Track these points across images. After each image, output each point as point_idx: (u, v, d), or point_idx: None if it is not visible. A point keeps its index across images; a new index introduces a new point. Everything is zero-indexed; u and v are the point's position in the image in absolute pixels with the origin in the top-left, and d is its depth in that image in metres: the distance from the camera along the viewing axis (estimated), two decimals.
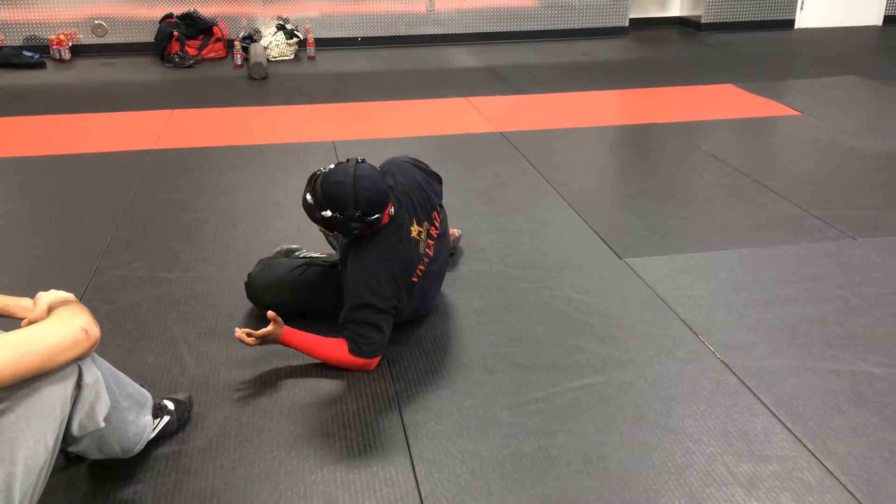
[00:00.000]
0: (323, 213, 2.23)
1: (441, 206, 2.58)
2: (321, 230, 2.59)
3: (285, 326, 2.28)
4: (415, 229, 2.40)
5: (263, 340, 2.25)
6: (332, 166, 2.27)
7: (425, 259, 2.43)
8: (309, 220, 2.33)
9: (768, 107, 5.24)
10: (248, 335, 2.24)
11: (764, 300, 2.72)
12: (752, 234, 3.27)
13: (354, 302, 2.27)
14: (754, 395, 2.21)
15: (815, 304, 2.69)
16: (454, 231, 3.00)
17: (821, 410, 2.14)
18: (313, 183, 2.27)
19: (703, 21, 7.88)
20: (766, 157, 4.30)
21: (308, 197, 2.27)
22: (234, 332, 2.25)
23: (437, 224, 2.51)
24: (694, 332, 2.52)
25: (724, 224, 3.36)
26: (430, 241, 2.47)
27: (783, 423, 2.09)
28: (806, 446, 2.00)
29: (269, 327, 2.24)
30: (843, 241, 3.17)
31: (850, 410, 2.14)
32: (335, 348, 2.30)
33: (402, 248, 2.34)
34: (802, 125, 4.85)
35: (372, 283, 2.26)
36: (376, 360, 2.33)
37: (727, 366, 2.34)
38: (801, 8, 8.05)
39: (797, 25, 8.09)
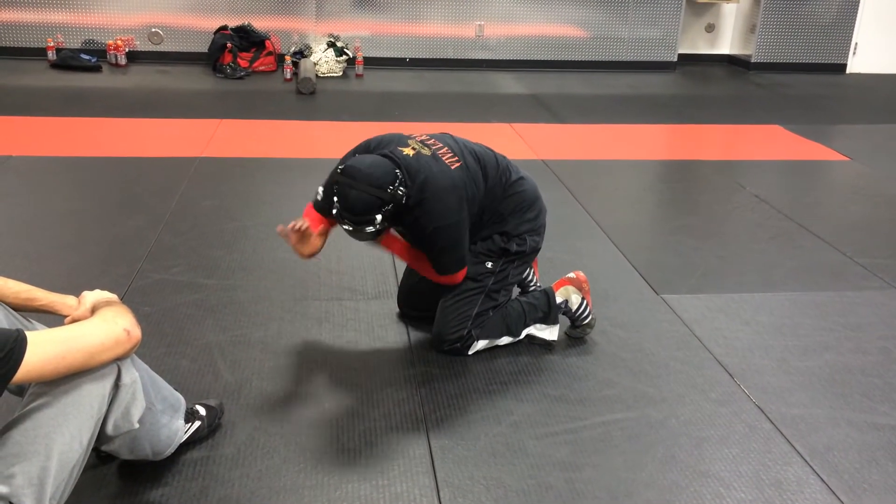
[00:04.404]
0: (395, 190, 2.20)
1: None
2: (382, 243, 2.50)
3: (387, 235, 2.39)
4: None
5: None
6: (333, 185, 2.26)
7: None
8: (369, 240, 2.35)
9: (816, 150, 5.18)
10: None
11: (803, 346, 2.67)
12: (792, 278, 3.22)
13: (434, 253, 2.38)
14: (789, 443, 2.16)
15: (856, 354, 2.63)
16: None
17: (857, 463, 2.09)
18: (380, 206, 2.19)
19: (752, 60, 7.83)
20: (812, 201, 4.24)
21: (378, 218, 2.20)
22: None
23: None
24: (729, 374, 2.48)
25: (765, 266, 3.32)
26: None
27: (818, 474, 2.04)
28: (840, 499, 1.95)
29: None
30: (887, 291, 3.11)
31: (887, 465, 2.09)
32: (436, 278, 2.42)
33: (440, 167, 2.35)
34: (850, 171, 4.78)
35: (450, 221, 2.32)
36: (463, 273, 2.42)
37: (762, 411, 2.30)
38: (854, 53, 7.97)
39: (849, 70, 8.00)
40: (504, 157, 2.56)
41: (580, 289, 2.62)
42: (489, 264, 2.48)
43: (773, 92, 7.05)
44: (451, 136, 2.54)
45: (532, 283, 2.83)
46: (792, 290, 3.09)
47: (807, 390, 2.42)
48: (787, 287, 3.12)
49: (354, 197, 2.18)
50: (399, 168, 2.26)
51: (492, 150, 2.56)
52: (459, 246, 2.37)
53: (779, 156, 5.07)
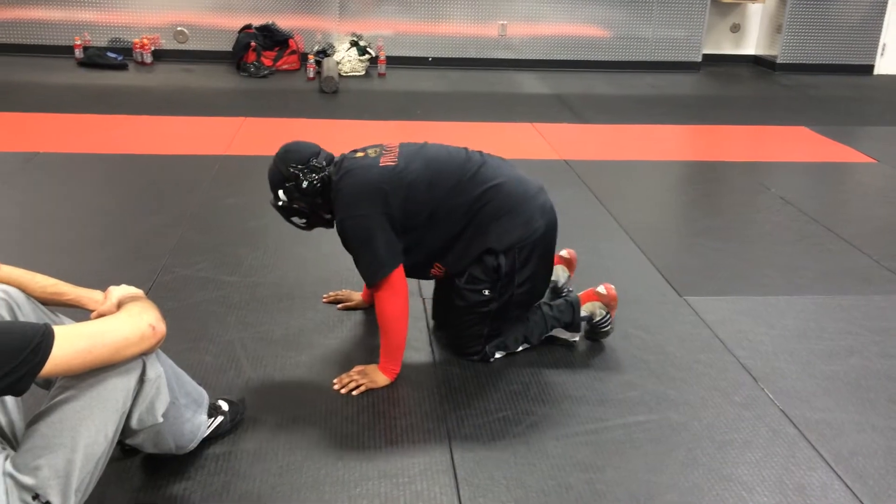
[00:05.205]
0: (303, 183, 2.30)
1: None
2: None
3: (377, 366, 2.35)
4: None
5: (366, 377, 2.34)
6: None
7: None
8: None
9: (842, 152, 5.11)
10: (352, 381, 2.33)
11: (828, 350, 2.64)
12: (818, 281, 3.18)
13: (354, 257, 2.34)
14: (813, 447, 2.14)
15: (882, 359, 2.60)
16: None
17: (882, 470, 2.06)
18: (280, 182, 2.34)
19: (778, 61, 7.74)
20: (838, 203, 4.19)
21: (281, 194, 2.34)
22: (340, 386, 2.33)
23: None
24: (753, 378, 2.46)
25: (790, 269, 3.28)
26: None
27: (842, 480, 2.02)
28: None
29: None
30: None
31: None
32: (380, 312, 2.32)
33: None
34: (877, 173, 4.72)
35: (354, 215, 2.28)
36: (400, 268, 2.30)
37: (786, 415, 2.28)
38: (882, 54, 7.85)
39: (876, 71, 7.89)
40: (479, 164, 2.38)
41: (608, 306, 2.57)
42: (486, 292, 2.37)
43: (798, 93, 6.97)
44: (422, 143, 2.47)
45: (567, 291, 2.80)
46: (817, 294, 3.06)
47: (832, 395, 2.39)
48: (813, 290, 3.09)
49: (269, 169, 2.39)
50: (321, 158, 2.34)
51: (463, 156, 2.41)
52: (373, 243, 2.25)
53: (804, 157, 5.01)
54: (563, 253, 2.79)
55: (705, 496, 1.94)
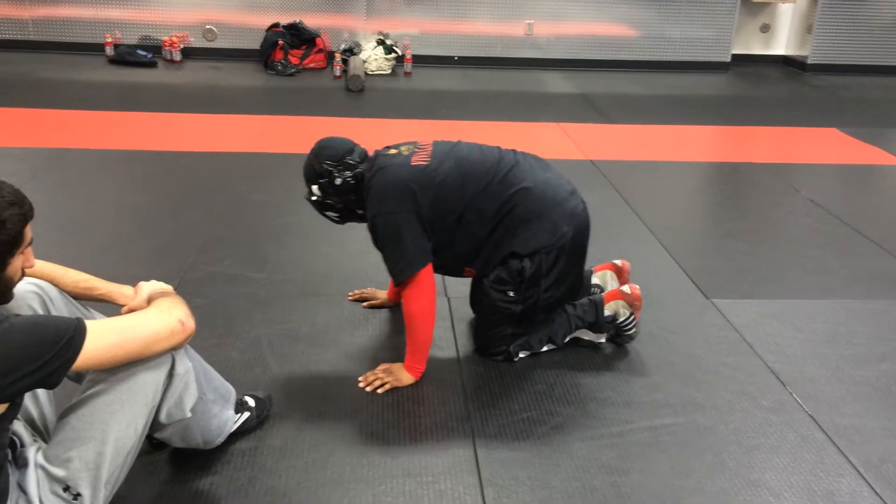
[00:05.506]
0: (336, 180, 2.32)
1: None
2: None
3: (402, 365, 2.35)
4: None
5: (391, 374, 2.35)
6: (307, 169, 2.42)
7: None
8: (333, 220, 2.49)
9: (874, 154, 5.04)
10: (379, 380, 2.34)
11: (858, 355, 2.60)
12: (848, 285, 3.14)
13: (383, 254, 2.35)
14: (842, 453, 2.11)
15: None
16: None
17: None
18: (315, 177, 2.37)
19: (809, 61, 7.65)
20: (869, 206, 4.13)
21: (315, 189, 2.37)
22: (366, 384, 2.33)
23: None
24: (781, 382, 2.43)
25: (820, 272, 3.24)
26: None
27: (871, 487, 1.99)
28: None
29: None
30: None
31: None
32: (407, 310, 2.31)
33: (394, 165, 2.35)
34: None
35: (383, 212, 2.29)
36: (429, 267, 2.29)
37: (815, 420, 2.25)
38: None
39: None
40: (510, 166, 2.37)
41: (632, 305, 2.54)
42: (511, 293, 2.37)
43: (829, 94, 6.88)
44: (455, 141, 2.46)
45: (595, 291, 2.78)
46: (847, 298, 3.01)
47: (861, 400, 2.36)
48: (843, 294, 3.05)
49: (304, 164, 2.42)
50: (356, 155, 2.36)
51: (496, 156, 2.40)
52: (402, 241, 2.26)
53: (835, 159, 4.94)
54: (617, 261, 2.77)
55: (732, 501, 1.92)
